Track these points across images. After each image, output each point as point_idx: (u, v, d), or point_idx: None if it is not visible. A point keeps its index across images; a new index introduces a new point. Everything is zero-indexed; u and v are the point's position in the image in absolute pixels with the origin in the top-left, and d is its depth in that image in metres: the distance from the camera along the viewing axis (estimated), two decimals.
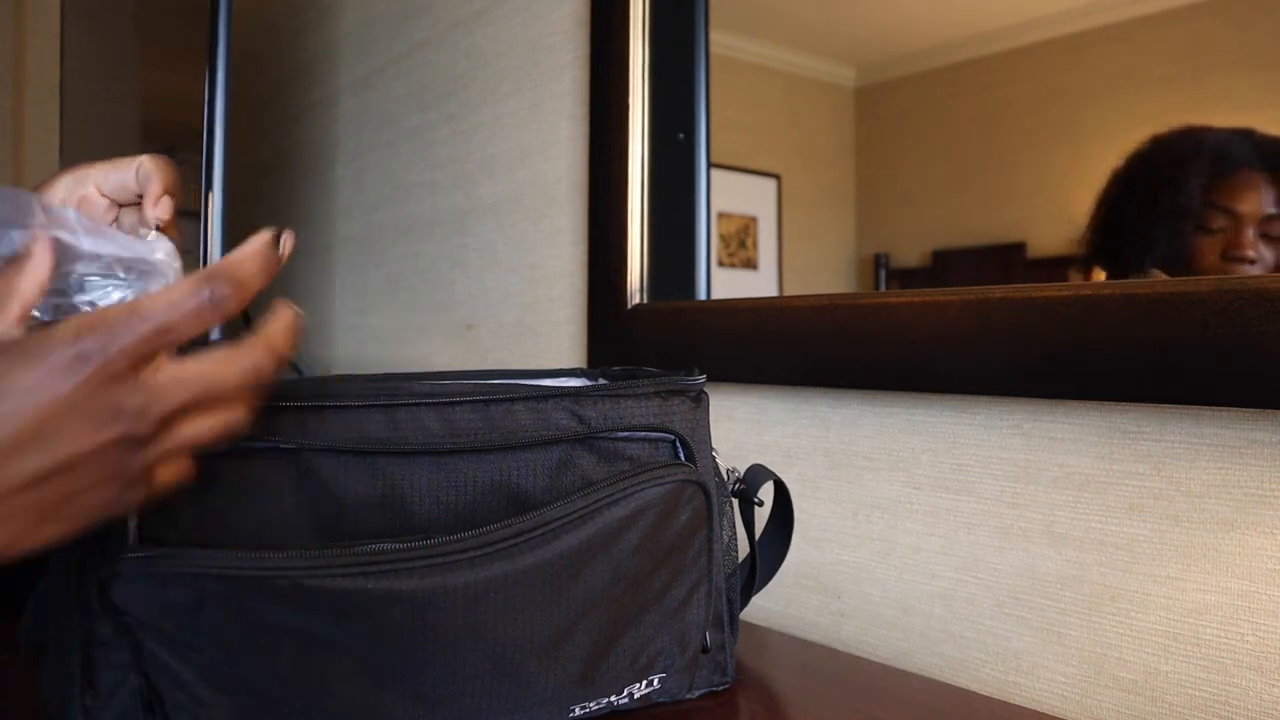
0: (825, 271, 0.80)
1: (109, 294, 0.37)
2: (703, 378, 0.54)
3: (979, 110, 0.67)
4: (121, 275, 0.37)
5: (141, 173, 0.44)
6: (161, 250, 0.38)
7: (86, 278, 0.36)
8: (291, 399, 0.42)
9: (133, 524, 0.40)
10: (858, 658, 0.65)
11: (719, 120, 0.85)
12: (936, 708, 0.55)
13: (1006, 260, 0.66)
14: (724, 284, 0.85)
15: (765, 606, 0.76)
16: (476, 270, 1.12)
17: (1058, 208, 0.62)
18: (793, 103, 0.82)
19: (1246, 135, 0.53)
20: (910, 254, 0.72)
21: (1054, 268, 0.63)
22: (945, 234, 0.69)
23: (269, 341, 0.36)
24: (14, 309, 0.34)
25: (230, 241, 1.15)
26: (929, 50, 0.70)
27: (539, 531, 0.44)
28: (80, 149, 1.57)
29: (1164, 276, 0.56)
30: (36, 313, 0.35)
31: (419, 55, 1.26)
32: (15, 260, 0.34)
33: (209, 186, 1.12)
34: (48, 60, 1.91)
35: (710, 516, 0.52)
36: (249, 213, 1.70)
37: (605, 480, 0.47)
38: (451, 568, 0.41)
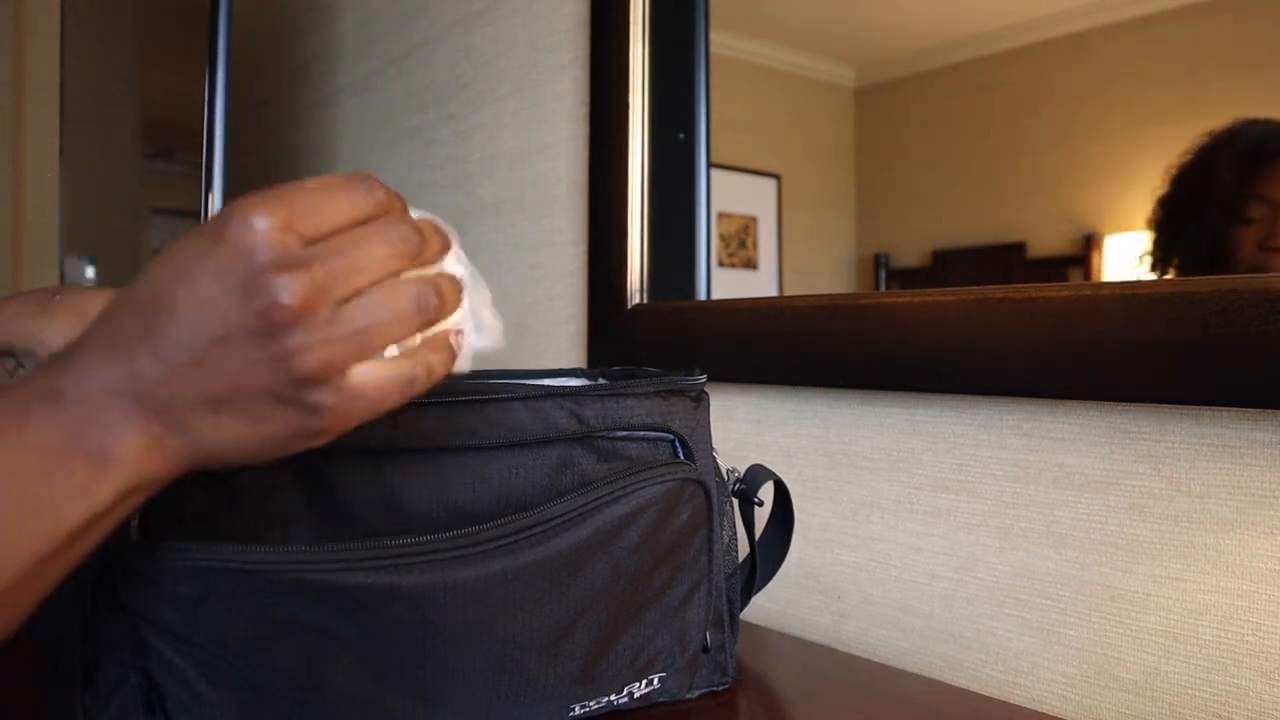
0: (825, 271, 0.80)
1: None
2: (703, 378, 0.54)
3: (979, 110, 0.67)
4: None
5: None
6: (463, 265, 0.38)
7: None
8: None
9: (134, 519, 0.40)
10: (858, 658, 0.65)
11: (719, 120, 0.85)
12: (936, 708, 0.55)
13: (1006, 260, 0.66)
14: (724, 284, 0.85)
15: (765, 606, 0.76)
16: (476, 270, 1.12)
17: (1058, 208, 0.62)
18: (793, 103, 0.82)
19: None
20: (910, 254, 0.72)
21: (1054, 268, 0.63)
22: (945, 234, 0.69)
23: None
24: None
25: None
26: (929, 50, 0.70)
27: (539, 529, 0.44)
28: (80, 149, 1.57)
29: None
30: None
31: (419, 55, 1.26)
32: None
33: (209, 186, 1.12)
34: (48, 60, 1.92)
35: (710, 515, 0.52)
36: None
37: (605, 479, 0.47)
38: (452, 564, 0.42)
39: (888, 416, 0.68)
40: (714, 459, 0.55)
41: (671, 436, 0.52)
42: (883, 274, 0.74)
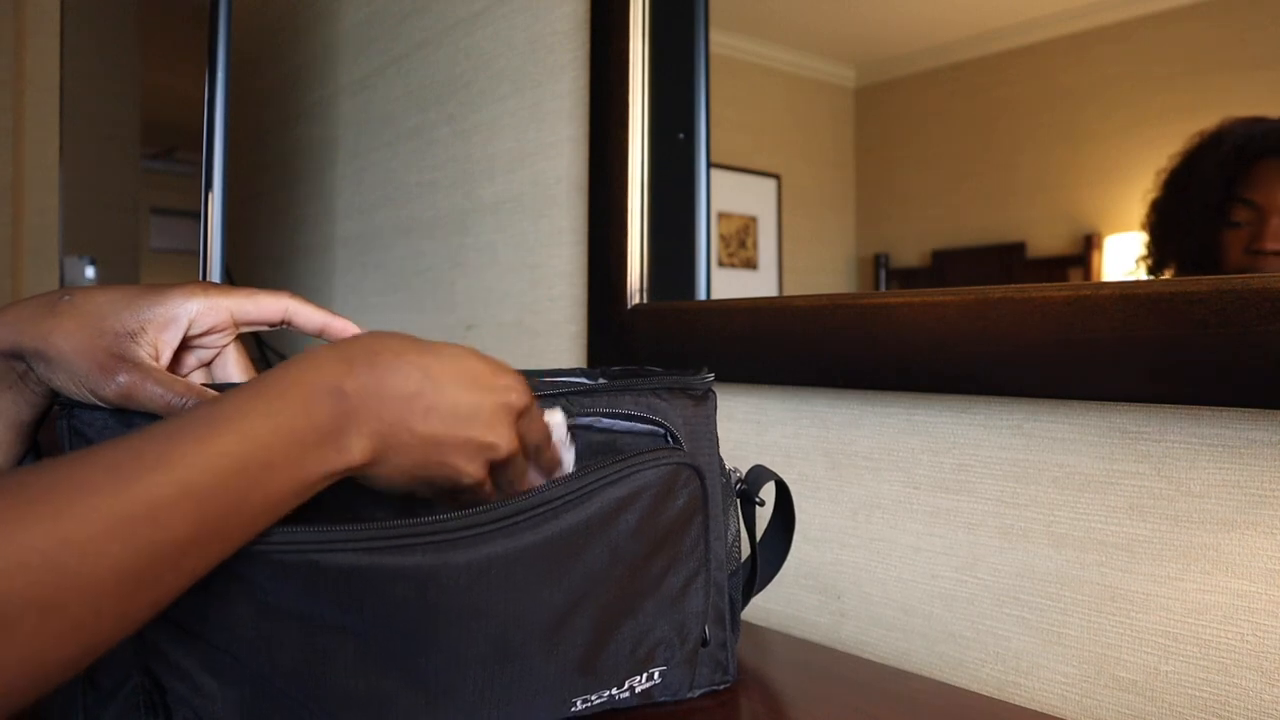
0: (825, 271, 0.80)
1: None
2: (710, 376, 0.55)
3: (979, 110, 0.67)
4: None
5: (290, 310, 0.50)
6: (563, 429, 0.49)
7: None
8: None
9: None
10: (858, 658, 0.65)
11: (719, 120, 0.85)
12: (936, 708, 0.55)
13: (1006, 260, 0.66)
14: (724, 284, 0.85)
15: (765, 606, 0.76)
16: (476, 270, 1.12)
17: (1058, 208, 0.62)
18: (793, 103, 0.82)
19: (1275, 124, 0.51)
20: (910, 254, 0.72)
21: (1054, 268, 0.63)
22: (945, 234, 0.69)
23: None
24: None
25: (230, 241, 1.15)
26: (929, 50, 0.70)
27: (539, 510, 0.45)
28: (80, 149, 1.57)
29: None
30: None
31: (418, 55, 1.26)
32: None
33: (209, 186, 1.12)
34: (48, 60, 1.92)
35: (706, 502, 0.52)
36: (249, 213, 1.70)
37: (601, 464, 0.48)
38: (454, 545, 0.42)
39: (888, 416, 0.68)
40: (719, 457, 0.56)
41: (663, 430, 0.52)
42: (883, 274, 0.74)
